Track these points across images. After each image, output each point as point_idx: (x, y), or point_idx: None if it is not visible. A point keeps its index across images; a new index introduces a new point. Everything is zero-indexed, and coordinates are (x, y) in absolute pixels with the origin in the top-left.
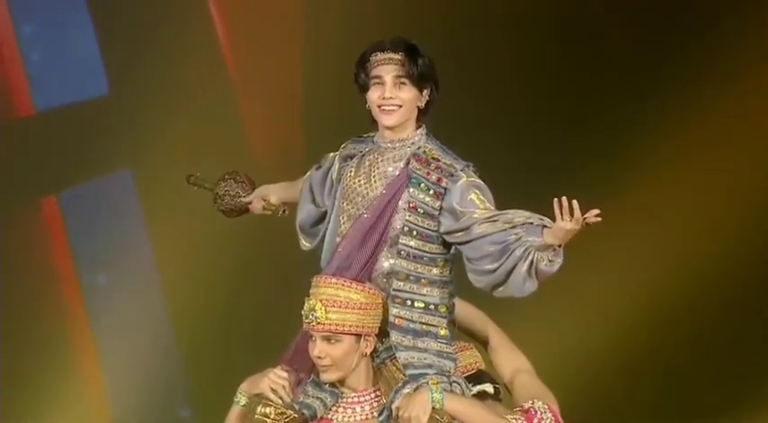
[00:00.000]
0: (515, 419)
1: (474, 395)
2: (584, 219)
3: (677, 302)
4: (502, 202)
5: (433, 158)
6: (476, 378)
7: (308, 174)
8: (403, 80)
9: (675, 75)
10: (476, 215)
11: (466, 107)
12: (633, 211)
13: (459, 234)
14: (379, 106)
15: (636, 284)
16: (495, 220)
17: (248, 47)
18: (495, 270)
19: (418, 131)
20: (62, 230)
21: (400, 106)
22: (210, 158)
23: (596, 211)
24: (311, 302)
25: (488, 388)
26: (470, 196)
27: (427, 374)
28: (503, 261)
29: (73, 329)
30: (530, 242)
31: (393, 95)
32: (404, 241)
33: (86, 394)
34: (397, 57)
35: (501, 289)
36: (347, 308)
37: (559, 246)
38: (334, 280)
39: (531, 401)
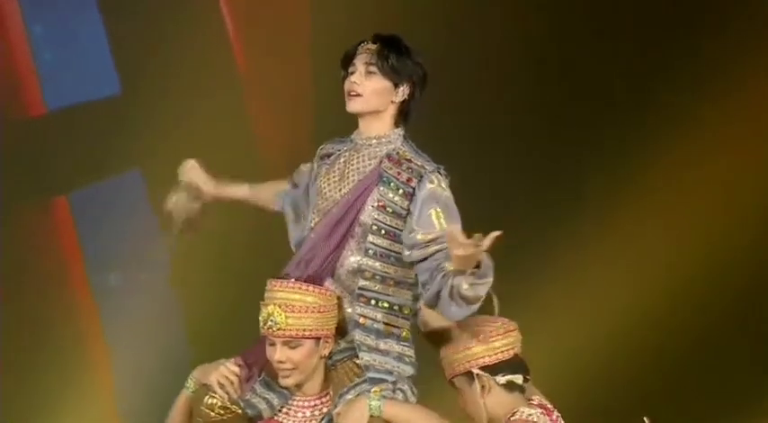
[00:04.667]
0: (534, 413)
1: (503, 385)
2: (478, 243)
3: (680, 304)
4: (508, 212)
5: (406, 159)
6: (510, 365)
7: (283, 189)
8: (371, 69)
9: (680, 82)
10: (419, 237)
11: (469, 114)
12: (633, 213)
13: (406, 252)
14: (347, 92)
15: (638, 286)
16: (427, 247)
17: (258, 46)
18: (426, 293)
19: (396, 131)
20: (72, 230)
21: (361, 95)
22: (220, 158)
23: (496, 234)
24: (269, 308)
25: (518, 379)
26: (429, 211)
27: (385, 381)
28: (430, 286)
29: (83, 330)
30: (446, 267)
31: (359, 82)
32: (372, 240)
33: (97, 395)
34: (374, 47)
35: (437, 310)
36: (305, 312)
37: (477, 268)
38: (289, 284)
39: (536, 398)
